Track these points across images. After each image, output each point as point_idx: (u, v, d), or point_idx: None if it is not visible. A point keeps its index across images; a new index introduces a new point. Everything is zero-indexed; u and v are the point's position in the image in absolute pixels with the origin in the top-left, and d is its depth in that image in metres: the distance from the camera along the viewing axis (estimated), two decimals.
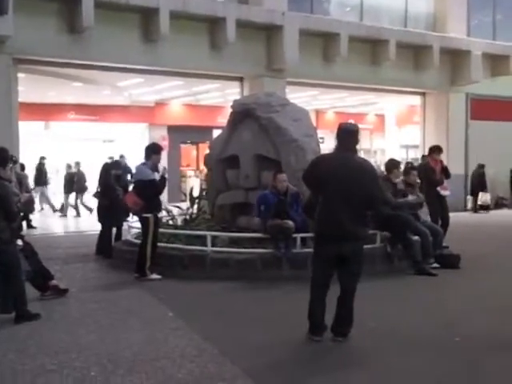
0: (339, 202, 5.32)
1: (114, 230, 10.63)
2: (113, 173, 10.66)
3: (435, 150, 10.89)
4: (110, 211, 10.33)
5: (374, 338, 5.64)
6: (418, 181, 10.29)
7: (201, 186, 13.59)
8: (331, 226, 5.37)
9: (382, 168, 11.42)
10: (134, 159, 8.96)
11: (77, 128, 23.94)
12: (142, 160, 8.66)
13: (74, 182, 18.30)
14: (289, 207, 8.60)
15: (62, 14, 13.80)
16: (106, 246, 10.23)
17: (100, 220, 10.62)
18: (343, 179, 5.34)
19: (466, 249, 9.84)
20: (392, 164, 9.49)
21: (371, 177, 5.53)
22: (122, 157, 17.39)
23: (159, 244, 8.66)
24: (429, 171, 10.65)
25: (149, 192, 8.35)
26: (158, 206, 8.70)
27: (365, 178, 5.44)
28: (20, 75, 14.66)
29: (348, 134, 5.55)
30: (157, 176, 8.46)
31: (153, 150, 8.59)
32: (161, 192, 8.68)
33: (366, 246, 5.88)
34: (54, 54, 13.97)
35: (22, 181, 12.04)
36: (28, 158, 17.16)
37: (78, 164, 18.91)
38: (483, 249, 11.06)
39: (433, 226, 9.50)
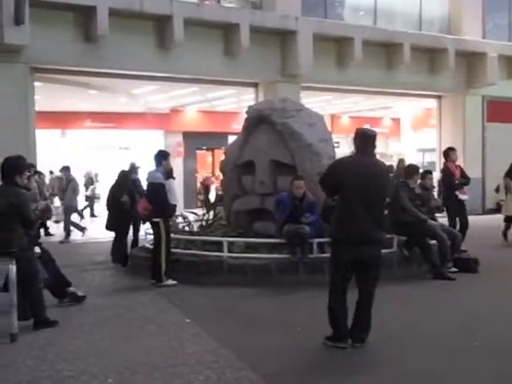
0: (358, 206, 5.28)
1: (131, 236, 10.60)
2: (132, 177, 10.60)
3: (448, 152, 10.85)
4: (122, 220, 10.14)
5: (392, 343, 5.59)
6: (435, 184, 10.23)
7: (217, 192, 13.47)
8: (350, 231, 5.33)
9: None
10: (150, 166, 9.02)
11: (93, 136, 24.11)
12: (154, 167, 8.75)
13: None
14: (303, 214, 8.52)
15: (77, 23, 13.95)
16: (120, 255, 10.09)
17: (112, 228, 10.36)
18: (362, 183, 5.30)
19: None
20: (412, 169, 9.44)
21: (389, 180, 5.53)
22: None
23: (175, 250, 8.70)
24: (448, 175, 10.62)
25: (158, 196, 8.41)
26: (168, 211, 8.74)
27: (383, 181, 5.46)
28: (36, 84, 14.83)
29: (365, 139, 5.54)
30: (171, 181, 8.47)
31: (162, 157, 8.74)
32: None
33: (383, 251, 5.84)
34: (70, 62, 14.10)
35: (40, 188, 12.14)
36: (45, 166, 17.23)
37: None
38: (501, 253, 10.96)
39: (451, 230, 9.43)
